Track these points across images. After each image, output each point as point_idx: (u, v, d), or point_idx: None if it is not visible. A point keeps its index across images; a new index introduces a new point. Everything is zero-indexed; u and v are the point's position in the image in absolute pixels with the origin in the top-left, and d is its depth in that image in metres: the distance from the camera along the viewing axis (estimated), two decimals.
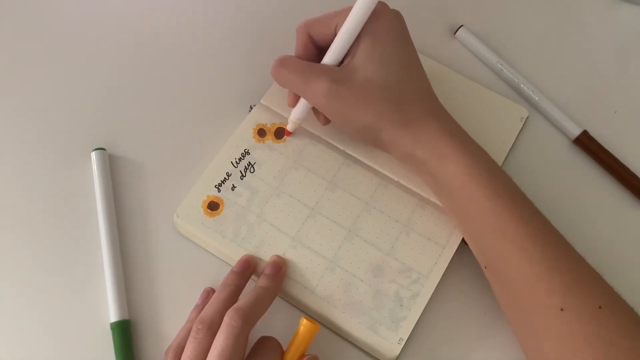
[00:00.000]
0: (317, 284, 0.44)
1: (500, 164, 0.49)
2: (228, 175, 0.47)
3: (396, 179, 0.48)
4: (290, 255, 0.45)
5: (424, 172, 0.44)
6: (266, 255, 0.45)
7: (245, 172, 0.47)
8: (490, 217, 0.41)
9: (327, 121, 0.47)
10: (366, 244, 0.45)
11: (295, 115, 0.47)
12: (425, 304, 0.44)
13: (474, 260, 0.44)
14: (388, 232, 0.46)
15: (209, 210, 0.46)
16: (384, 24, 0.42)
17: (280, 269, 0.44)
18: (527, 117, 0.52)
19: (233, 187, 0.47)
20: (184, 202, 0.46)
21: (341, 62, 0.43)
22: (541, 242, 0.40)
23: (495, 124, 0.51)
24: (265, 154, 0.48)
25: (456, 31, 0.56)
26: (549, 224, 0.41)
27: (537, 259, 0.39)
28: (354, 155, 0.48)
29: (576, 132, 0.51)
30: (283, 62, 0.43)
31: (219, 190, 0.47)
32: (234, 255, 0.45)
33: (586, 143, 0.51)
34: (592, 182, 0.51)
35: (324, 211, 0.46)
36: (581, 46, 0.57)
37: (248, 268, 0.44)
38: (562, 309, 0.38)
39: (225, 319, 0.38)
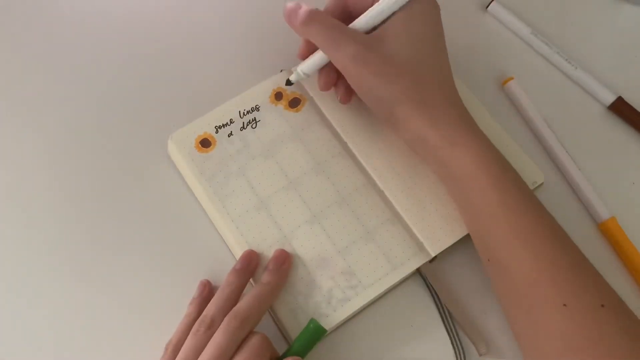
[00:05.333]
0: (264, 250, 0.45)
1: None
2: (230, 122, 0.49)
3: (381, 188, 0.47)
4: (251, 215, 0.46)
5: (432, 157, 0.44)
6: (230, 205, 0.46)
7: (247, 125, 0.49)
8: (498, 209, 0.41)
9: (346, 98, 0.48)
10: (324, 234, 0.46)
11: (303, 67, 0.47)
12: (350, 312, 0.44)
13: (422, 300, 0.45)
14: (349, 232, 0.46)
15: (200, 146, 0.48)
16: (422, 5, 0.43)
17: (284, 262, 0.44)
18: (542, 184, 0.49)
19: (230, 134, 0.49)
20: (182, 130, 0.49)
21: (368, 32, 0.44)
22: (547, 238, 0.40)
23: None
24: (273, 116, 0.49)
25: (488, 5, 0.57)
26: (556, 222, 0.42)
27: (542, 253, 0.39)
28: (353, 150, 0.48)
29: (611, 98, 0.53)
30: (315, 17, 0.44)
31: (217, 132, 0.49)
32: (204, 194, 0.47)
33: (621, 109, 0.52)
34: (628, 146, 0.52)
35: (300, 188, 0.47)
36: (581, 46, 0.56)
37: (249, 265, 0.44)
38: (564, 305, 0.38)
39: (225, 320, 0.40)
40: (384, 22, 0.44)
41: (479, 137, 0.43)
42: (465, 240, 0.46)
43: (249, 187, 0.47)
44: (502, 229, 0.41)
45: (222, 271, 0.45)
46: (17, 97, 0.53)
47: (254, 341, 0.40)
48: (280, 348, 0.43)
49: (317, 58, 0.46)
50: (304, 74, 0.48)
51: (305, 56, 0.47)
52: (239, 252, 0.45)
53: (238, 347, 0.40)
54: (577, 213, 0.50)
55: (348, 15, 0.46)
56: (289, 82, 0.49)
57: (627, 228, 0.48)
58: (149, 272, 0.47)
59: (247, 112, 0.49)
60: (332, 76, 0.47)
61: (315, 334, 0.42)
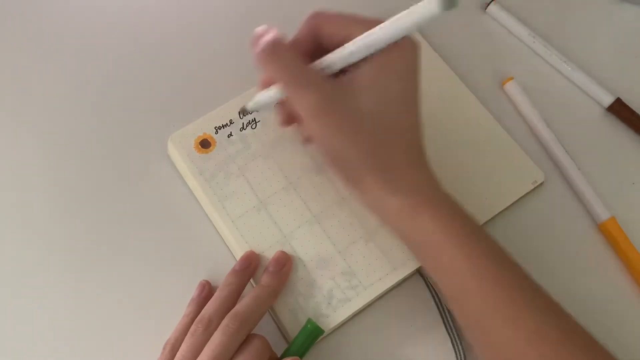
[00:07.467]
0: (264, 250, 0.45)
1: (487, 218, 0.48)
2: (230, 123, 0.49)
3: None
4: (251, 216, 0.46)
5: (394, 226, 0.41)
6: (230, 206, 0.46)
7: (247, 126, 0.49)
8: (470, 279, 0.38)
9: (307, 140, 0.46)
10: (324, 235, 0.46)
11: (259, 98, 0.44)
12: (351, 313, 0.44)
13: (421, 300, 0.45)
14: (350, 232, 0.46)
15: (200, 147, 0.48)
16: (401, 58, 0.39)
17: (284, 265, 0.44)
18: (542, 183, 0.49)
19: (230, 135, 0.49)
20: (181, 131, 0.48)
21: (337, 74, 0.40)
22: (529, 308, 0.37)
23: (505, 177, 0.49)
24: (273, 117, 0.49)
25: (487, 6, 0.57)
26: (539, 288, 0.39)
27: (523, 325, 0.37)
28: None
29: (609, 99, 0.53)
30: (277, 52, 0.39)
31: (216, 132, 0.48)
32: (204, 195, 0.47)
33: (620, 110, 0.53)
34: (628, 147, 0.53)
35: (299, 189, 0.47)
36: (580, 47, 0.56)
37: (249, 266, 0.44)
38: None
39: (224, 321, 0.40)
40: (355, 64, 0.39)
41: (444, 202, 0.40)
42: None
43: (249, 187, 0.47)
44: (478, 300, 0.38)
45: (222, 271, 0.45)
46: (16, 98, 0.52)
47: (253, 343, 0.40)
48: (281, 349, 0.43)
49: (275, 92, 0.42)
50: (259, 106, 0.44)
51: (265, 87, 0.43)
52: (239, 253, 0.45)
53: (237, 349, 0.40)
54: (576, 213, 0.50)
55: (319, 46, 0.41)
56: (244, 112, 0.47)
57: (626, 228, 0.48)
58: (148, 272, 0.47)
59: (247, 113, 0.49)
60: (292, 114, 0.44)
61: (313, 334, 0.42)
